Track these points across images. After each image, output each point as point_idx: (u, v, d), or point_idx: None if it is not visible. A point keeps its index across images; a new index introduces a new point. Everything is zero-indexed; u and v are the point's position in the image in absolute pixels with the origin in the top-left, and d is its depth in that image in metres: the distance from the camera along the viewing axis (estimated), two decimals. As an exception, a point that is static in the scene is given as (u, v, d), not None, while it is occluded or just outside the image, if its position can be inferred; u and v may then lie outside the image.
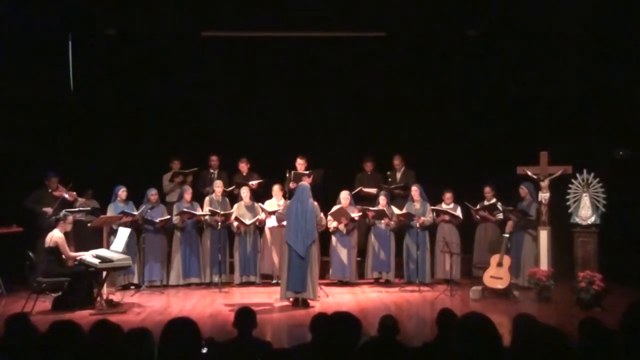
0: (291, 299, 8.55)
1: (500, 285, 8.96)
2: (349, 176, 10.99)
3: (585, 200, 8.83)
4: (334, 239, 10.16)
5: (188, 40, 11.45)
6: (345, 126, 11.64)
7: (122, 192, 9.94)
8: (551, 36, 10.54)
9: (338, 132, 11.61)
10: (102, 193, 10.42)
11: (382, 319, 4.60)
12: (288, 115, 11.72)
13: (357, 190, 10.64)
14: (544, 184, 9.37)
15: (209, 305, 8.70)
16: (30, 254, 8.48)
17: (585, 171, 8.90)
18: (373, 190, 10.64)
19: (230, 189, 10.52)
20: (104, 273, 8.70)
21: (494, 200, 10.15)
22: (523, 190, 9.76)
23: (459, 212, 10.22)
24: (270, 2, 10.50)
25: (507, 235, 9.32)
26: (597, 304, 8.07)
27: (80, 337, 3.50)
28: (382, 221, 10.21)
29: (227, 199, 10.41)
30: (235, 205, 10.29)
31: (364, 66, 11.69)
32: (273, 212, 9.98)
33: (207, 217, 10.06)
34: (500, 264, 9.04)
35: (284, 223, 8.90)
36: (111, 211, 9.79)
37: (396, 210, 10.18)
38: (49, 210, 9.66)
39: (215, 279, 9.95)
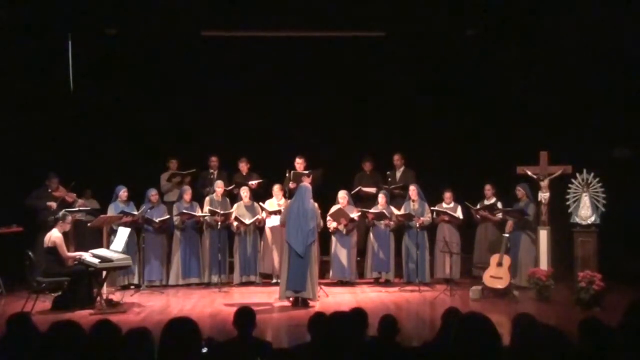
0: (291, 299, 8.55)
1: (500, 285, 8.97)
2: (348, 176, 10.99)
3: (585, 200, 8.83)
4: (334, 239, 10.15)
5: (188, 40, 11.46)
6: (345, 126, 11.64)
7: (123, 193, 9.94)
8: (551, 36, 10.53)
9: (338, 132, 11.60)
10: (102, 193, 10.42)
11: (382, 319, 4.60)
12: (288, 115, 11.73)
13: (356, 190, 10.64)
14: (544, 184, 9.38)
15: (209, 305, 8.69)
16: (30, 254, 8.49)
17: (585, 171, 8.90)
18: (372, 190, 10.64)
19: (230, 188, 10.52)
20: (104, 273, 8.71)
21: (494, 200, 10.16)
22: (520, 191, 9.76)
23: (459, 212, 10.23)
24: (270, 2, 10.50)
25: (507, 236, 9.33)
26: (597, 304, 8.07)
27: (81, 337, 3.50)
28: (382, 222, 10.22)
29: (227, 199, 10.41)
30: (235, 206, 10.30)
31: (364, 66, 11.70)
32: (274, 212, 9.99)
33: (207, 218, 10.06)
34: (500, 264, 9.04)
35: (286, 223, 8.91)
36: (112, 211, 9.78)
37: (395, 211, 10.18)
38: (53, 204, 9.67)
39: (215, 279, 9.95)
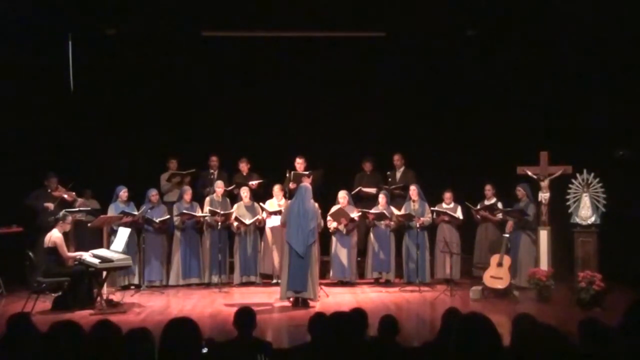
0: (291, 299, 8.55)
1: (500, 285, 8.97)
2: (348, 176, 10.99)
3: (585, 200, 8.83)
4: (334, 239, 10.15)
5: (188, 40, 11.46)
6: (345, 126, 11.64)
7: (123, 193, 9.93)
8: (551, 36, 10.53)
9: (338, 132, 11.60)
10: (102, 193, 10.42)
11: (382, 319, 4.60)
12: (288, 115, 11.73)
13: (356, 190, 10.64)
14: (544, 184, 9.37)
15: (209, 305, 8.70)
16: (30, 254, 8.49)
17: (585, 171, 8.90)
18: (372, 190, 10.64)
19: (230, 188, 10.52)
20: (104, 273, 8.71)
21: (494, 200, 10.16)
22: (520, 191, 9.76)
23: (459, 212, 10.23)
24: (270, 2, 10.50)
25: (507, 235, 9.33)
26: (597, 304, 8.07)
27: (81, 337, 3.50)
28: (382, 222, 10.22)
29: (227, 199, 10.41)
30: (235, 206, 10.30)
31: (364, 66, 11.69)
32: (274, 212, 9.99)
33: (207, 218, 10.06)
34: (500, 264, 9.04)
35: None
36: (112, 211, 9.78)
37: (395, 211, 10.18)
38: (50, 205, 9.67)
39: (215, 279, 9.95)
